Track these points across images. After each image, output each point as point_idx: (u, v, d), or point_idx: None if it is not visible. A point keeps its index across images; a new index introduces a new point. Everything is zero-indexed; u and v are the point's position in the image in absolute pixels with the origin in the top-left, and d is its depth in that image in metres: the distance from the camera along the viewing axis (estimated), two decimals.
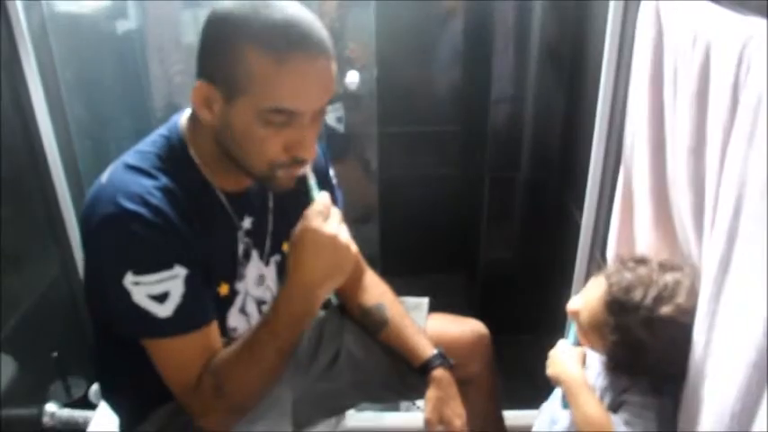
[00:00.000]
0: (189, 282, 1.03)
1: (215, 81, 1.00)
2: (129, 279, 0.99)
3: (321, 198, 1.07)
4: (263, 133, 1.00)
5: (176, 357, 1.07)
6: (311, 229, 1.03)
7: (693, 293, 1.02)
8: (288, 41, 0.96)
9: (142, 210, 0.99)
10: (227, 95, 0.99)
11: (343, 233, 1.05)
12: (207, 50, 1.02)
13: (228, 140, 1.04)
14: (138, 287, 0.99)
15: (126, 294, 0.99)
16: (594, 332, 1.15)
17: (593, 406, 1.12)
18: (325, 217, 1.04)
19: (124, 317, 1.04)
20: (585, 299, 1.18)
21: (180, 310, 1.02)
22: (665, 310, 1.03)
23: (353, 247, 1.07)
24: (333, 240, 1.03)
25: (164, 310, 1.01)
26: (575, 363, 1.21)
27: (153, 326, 1.02)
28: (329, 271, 1.04)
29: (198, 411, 1.10)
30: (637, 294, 1.07)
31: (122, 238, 1.00)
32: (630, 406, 1.10)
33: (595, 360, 1.22)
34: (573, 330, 1.26)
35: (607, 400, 1.15)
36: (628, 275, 1.10)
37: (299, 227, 1.05)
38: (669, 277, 1.07)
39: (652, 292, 1.06)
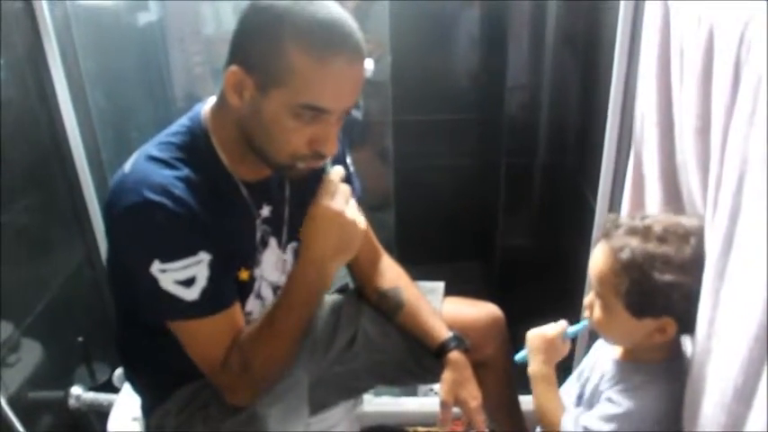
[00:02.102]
0: (213, 266, 1.06)
1: (251, 69, 1.01)
2: (156, 267, 1.02)
3: (331, 176, 1.10)
4: (291, 125, 1.03)
5: (204, 338, 1.11)
6: (319, 206, 1.07)
7: (685, 221, 1.07)
8: (331, 42, 0.98)
9: (165, 200, 1.02)
10: (262, 85, 1.01)
11: (349, 210, 1.08)
12: (246, 39, 1.03)
13: (254, 128, 1.06)
14: (165, 274, 1.03)
15: (154, 281, 1.03)
16: (604, 279, 1.11)
17: (549, 396, 1.22)
18: (333, 194, 1.08)
19: (152, 302, 1.07)
20: (590, 266, 1.17)
21: (206, 292, 1.06)
22: (658, 223, 1.07)
23: (361, 223, 1.11)
24: (339, 217, 1.07)
25: (190, 294, 1.05)
26: (551, 354, 1.25)
27: (181, 309, 1.06)
28: (337, 246, 1.09)
29: (226, 388, 1.15)
30: (624, 218, 1.13)
31: (148, 228, 1.03)
32: (602, 407, 1.13)
33: (607, 361, 1.20)
34: (580, 325, 1.25)
35: (606, 394, 1.15)
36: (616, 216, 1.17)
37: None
38: (656, 215, 1.13)
39: (638, 217, 1.12)
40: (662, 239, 1.05)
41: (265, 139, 1.07)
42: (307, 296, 1.12)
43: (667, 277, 1.02)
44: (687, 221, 1.06)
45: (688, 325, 1.04)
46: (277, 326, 1.11)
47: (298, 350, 1.18)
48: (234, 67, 1.03)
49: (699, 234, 1.03)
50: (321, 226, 1.07)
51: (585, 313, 1.19)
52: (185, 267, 1.04)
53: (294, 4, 0.99)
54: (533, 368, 1.25)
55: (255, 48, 1.01)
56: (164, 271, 1.03)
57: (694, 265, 1.00)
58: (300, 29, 0.98)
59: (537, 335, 1.27)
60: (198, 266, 1.05)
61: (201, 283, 1.05)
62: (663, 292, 1.03)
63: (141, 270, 1.03)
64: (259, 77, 1.01)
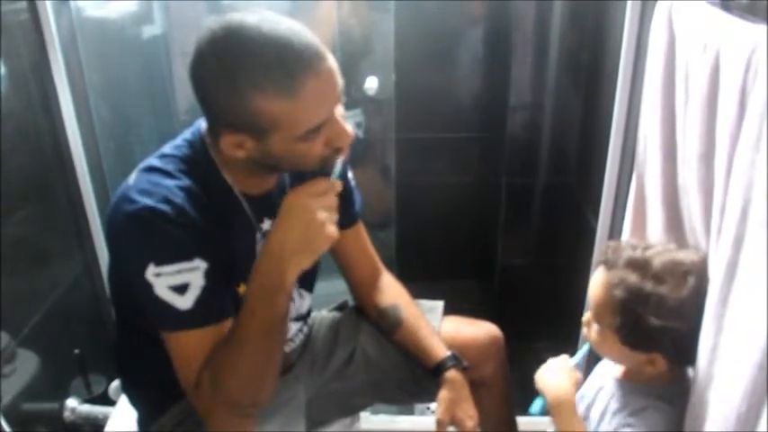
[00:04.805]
0: (209, 275, 1.04)
1: (237, 129, 1.01)
2: (150, 271, 1.01)
3: (324, 180, 1.05)
4: (305, 147, 1.02)
5: (189, 352, 1.08)
6: (292, 198, 1.02)
7: (685, 258, 1.06)
8: (290, 75, 0.96)
9: (164, 207, 1.02)
10: (257, 136, 1.01)
11: (322, 213, 1.01)
12: (213, 105, 1.02)
13: (270, 162, 1.06)
14: (159, 278, 1.02)
15: (149, 287, 1.02)
16: (601, 307, 1.13)
17: (574, 424, 1.15)
18: (312, 193, 1.02)
19: (148, 310, 1.06)
20: (590, 290, 1.18)
21: (199, 302, 1.04)
22: (657, 258, 1.06)
23: (331, 232, 1.02)
24: (308, 215, 1.00)
25: (184, 302, 1.03)
26: (566, 379, 1.19)
27: (173, 318, 1.04)
28: (298, 243, 1.01)
29: (202, 409, 1.10)
30: (626, 249, 1.11)
31: (145, 233, 1.02)
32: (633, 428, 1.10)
33: (610, 381, 1.22)
34: (581, 352, 1.26)
35: (616, 422, 1.15)
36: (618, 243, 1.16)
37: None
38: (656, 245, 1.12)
39: (641, 248, 1.10)
40: (659, 279, 1.05)
41: (287, 165, 1.08)
42: (264, 296, 1.04)
43: (658, 322, 1.03)
44: (688, 258, 1.06)
45: (678, 360, 1.08)
46: (241, 333, 1.05)
47: (272, 370, 1.11)
48: (224, 135, 1.02)
49: (698, 272, 1.03)
50: (286, 218, 1.01)
51: (583, 330, 1.20)
52: (179, 272, 1.02)
53: (235, 58, 0.96)
54: (554, 396, 1.18)
55: (230, 111, 0.99)
56: (158, 275, 1.02)
57: (689, 307, 1.01)
58: (257, 82, 0.96)
59: (547, 368, 1.24)
60: (193, 273, 1.04)
61: (195, 291, 1.04)
62: (653, 335, 1.05)
63: (137, 276, 1.02)
64: (251, 132, 1.01)
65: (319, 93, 0.99)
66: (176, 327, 1.06)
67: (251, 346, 1.05)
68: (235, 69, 0.96)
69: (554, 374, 1.21)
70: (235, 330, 1.07)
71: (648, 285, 1.05)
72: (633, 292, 1.06)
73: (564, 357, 1.26)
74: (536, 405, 1.25)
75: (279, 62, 0.96)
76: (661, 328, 1.04)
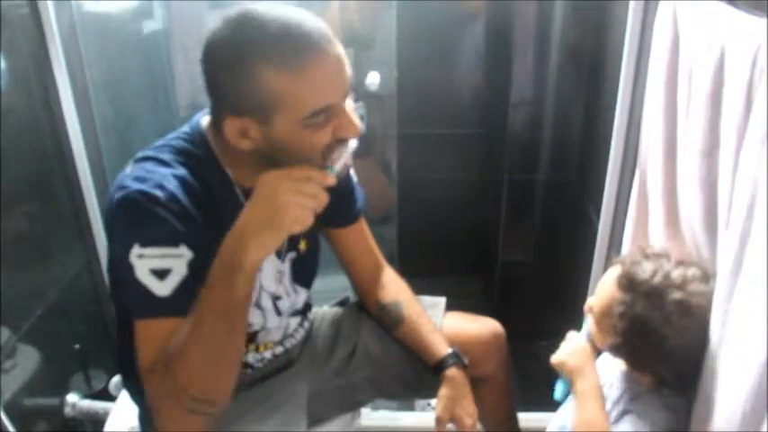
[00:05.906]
0: (193, 266, 1.02)
1: (243, 112, 1.01)
2: (135, 252, 1.00)
3: (308, 168, 1.00)
4: (310, 134, 1.02)
5: (159, 341, 1.02)
6: (263, 176, 0.98)
7: (707, 288, 1.03)
8: (296, 50, 0.96)
9: (157, 191, 1.01)
10: (262, 119, 1.00)
11: (290, 194, 0.96)
12: (221, 86, 1.02)
13: (276, 154, 1.05)
14: (141, 260, 1.00)
15: (130, 269, 1.00)
16: (604, 316, 1.14)
17: (599, 413, 1.13)
18: (294, 177, 0.97)
19: (128, 294, 1.04)
20: (599, 285, 1.18)
21: (178, 291, 1.01)
22: (674, 294, 1.04)
23: (297, 215, 0.96)
24: (272, 192, 0.96)
25: (162, 289, 1.01)
26: (592, 362, 1.20)
27: (148, 303, 1.01)
28: (262, 220, 0.96)
29: (151, 400, 1.05)
30: (646, 271, 1.08)
31: (133, 214, 1.02)
32: (632, 414, 1.10)
33: (609, 369, 1.22)
34: (585, 329, 1.25)
35: (616, 411, 1.15)
36: (642, 258, 1.13)
37: None
38: (682, 269, 1.08)
39: (661, 274, 1.07)
40: (672, 321, 1.03)
41: (293, 157, 1.04)
42: (222, 274, 0.98)
43: (664, 351, 1.04)
44: (702, 299, 1.03)
45: (671, 387, 1.09)
46: (196, 314, 1.00)
47: (228, 362, 1.04)
48: (228, 120, 1.02)
49: (706, 315, 1.01)
50: (254, 192, 0.98)
51: (587, 304, 1.22)
52: (163, 256, 1.01)
53: (245, 33, 0.98)
54: (584, 385, 1.17)
55: (234, 92, 1.00)
56: (141, 256, 1.00)
57: (686, 352, 1.02)
58: (263, 54, 0.96)
59: (569, 353, 1.23)
60: (176, 260, 1.02)
61: (176, 279, 1.01)
62: (646, 364, 1.09)
63: (122, 258, 1.00)
64: (254, 115, 1.00)
65: (324, 73, 0.99)
66: (150, 313, 1.02)
67: (205, 330, 0.99)
68: (242, 43, 0.98)
69: (582, 358, 1.21)
70: (191, 312, 1.01)
71: (658, 321, 1.04)
72: (641, 324, 1.06)
73: (573, 333, 1.26)
74: (558, 390, 1.26)
75: (286, 37, 0.97)
76: (664, 358, 1.05)
